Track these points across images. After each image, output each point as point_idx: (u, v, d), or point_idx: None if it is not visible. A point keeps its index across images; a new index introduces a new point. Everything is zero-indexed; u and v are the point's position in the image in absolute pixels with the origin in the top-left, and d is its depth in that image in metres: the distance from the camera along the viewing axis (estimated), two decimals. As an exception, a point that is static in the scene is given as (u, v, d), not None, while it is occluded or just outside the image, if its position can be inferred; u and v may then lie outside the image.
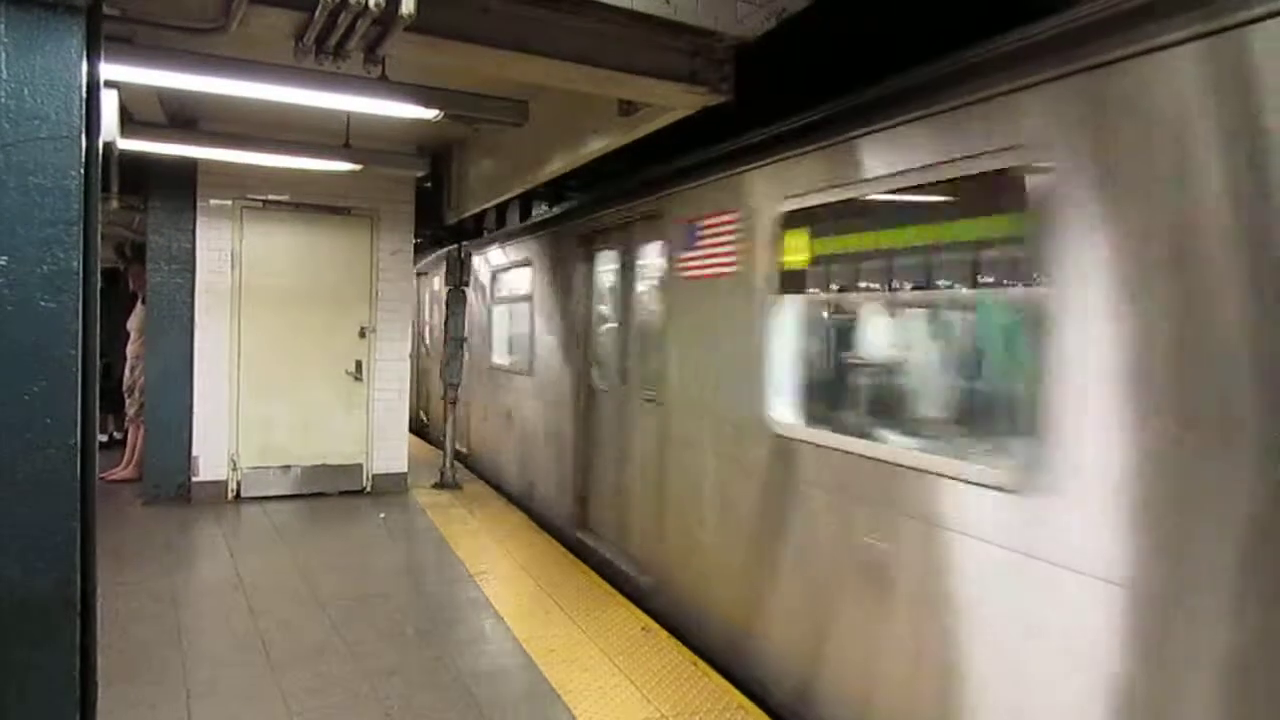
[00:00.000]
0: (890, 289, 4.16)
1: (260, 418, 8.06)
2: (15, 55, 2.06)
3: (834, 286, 4.46)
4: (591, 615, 5.31)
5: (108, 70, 2.74)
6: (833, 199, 3.95)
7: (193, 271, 7.79)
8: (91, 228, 2.21)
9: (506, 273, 9.31)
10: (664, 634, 5.06)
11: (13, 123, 2.06)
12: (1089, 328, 2.75)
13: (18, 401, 2.09)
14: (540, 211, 9.02)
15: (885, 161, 3.64)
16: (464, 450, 9.97)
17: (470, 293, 9.41)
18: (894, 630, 3.55)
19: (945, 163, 3.29)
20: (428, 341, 12.73)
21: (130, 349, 8.47)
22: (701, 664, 4.65)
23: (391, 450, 8.61)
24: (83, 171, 2.16)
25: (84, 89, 2.16)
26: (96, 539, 2.23)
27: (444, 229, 9.53)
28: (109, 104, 4.07)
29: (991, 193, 3.24)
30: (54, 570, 2.14)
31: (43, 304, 2.12)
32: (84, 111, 2.16)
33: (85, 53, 2.16)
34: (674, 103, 4.34)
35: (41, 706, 2.13)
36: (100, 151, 2.30)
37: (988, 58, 3.15)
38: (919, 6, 3.98)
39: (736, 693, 4.34)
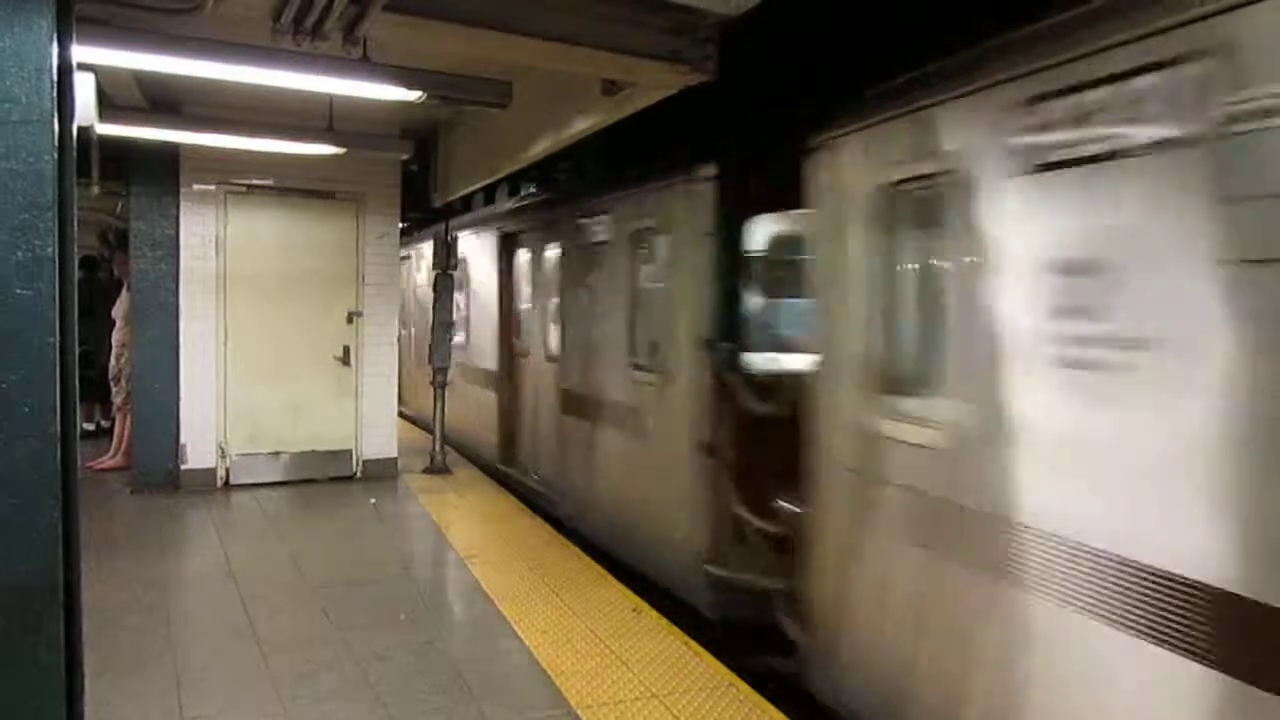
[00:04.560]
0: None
1: (248, 404, 8.03)
2: (-17, 37, 2.02)
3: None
4: (582, 597, 5.32)
5: (82, 53, 2.69)
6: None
7: (177, 258, 7.72)
8: (68, 213, 2.17)
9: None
10: (655, 615, 5.08)
11: (-18, 106, 2.02)
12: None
13: (-5, 391, 2.06)
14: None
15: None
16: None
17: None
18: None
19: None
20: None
21: (115, 336, 8.40)
22: (693, 644, 4.67)
23: (381, 435, 8.60)
24: (56, 156, 2.12)
25: (55, 71, 2.12)
26: (81, 528, 2.21)
27: (431, 211, 9.48)
28: (84, 87, 4.01)
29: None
30: (37, 561, 2.12)
31: (18, 291, 2.08)
32: (56, 94, 2.12)
33: (56, 34, 2.12)
34: (657, 82, 4.31)
35: (27, 698, 2.11)
36: (75, 135, 2.27)
37: None
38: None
39: (727, 671, 4.36)
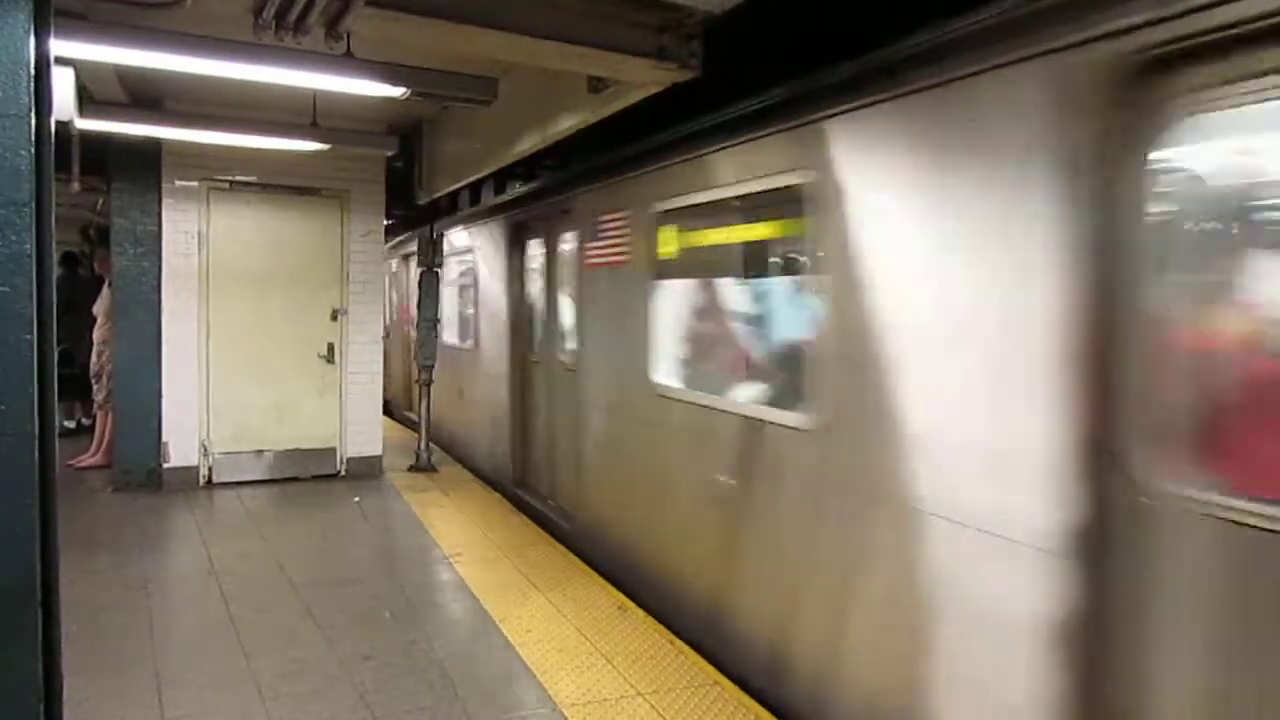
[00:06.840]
0: None
1: (231, 402, 7.97)
2: (-43, 31, 2.00)
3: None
4: (567, 595, 5.32)
5: (60, 47, 2.67)
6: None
7: (159, 254, 7.66)
8: (45, 209, 2.15)
9: None
10: (640, 613, 5.08)
11: (-43, 101, 2.00)
12: None
13: (-29, 390, 2.04)
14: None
15: None
16: None
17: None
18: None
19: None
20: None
21: (97, 334, 8.33)
22: (678, 642, 4.67)
23: (365, 433, 8.56)
24: (34, 151, 2.10)
25: (33, 65, 2.09)
26: (59, 528, 2.18)
27: (416, 209, 9.43)
28: (62, 81, 3.96)
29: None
30: (14, 561, 2.09)
31: (-6, 288, 2.06)
32: (33, 89, 2.09)
33: (33, 28, 2.09)
34: (643, 79, 4.29)
35: (5, 698, 2.09)
36: (53, 130, 2.24)
37: None
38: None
39: (712, 669, 4.37)
